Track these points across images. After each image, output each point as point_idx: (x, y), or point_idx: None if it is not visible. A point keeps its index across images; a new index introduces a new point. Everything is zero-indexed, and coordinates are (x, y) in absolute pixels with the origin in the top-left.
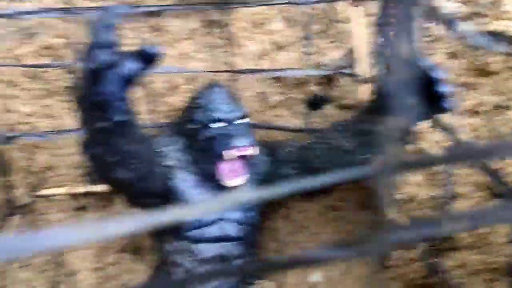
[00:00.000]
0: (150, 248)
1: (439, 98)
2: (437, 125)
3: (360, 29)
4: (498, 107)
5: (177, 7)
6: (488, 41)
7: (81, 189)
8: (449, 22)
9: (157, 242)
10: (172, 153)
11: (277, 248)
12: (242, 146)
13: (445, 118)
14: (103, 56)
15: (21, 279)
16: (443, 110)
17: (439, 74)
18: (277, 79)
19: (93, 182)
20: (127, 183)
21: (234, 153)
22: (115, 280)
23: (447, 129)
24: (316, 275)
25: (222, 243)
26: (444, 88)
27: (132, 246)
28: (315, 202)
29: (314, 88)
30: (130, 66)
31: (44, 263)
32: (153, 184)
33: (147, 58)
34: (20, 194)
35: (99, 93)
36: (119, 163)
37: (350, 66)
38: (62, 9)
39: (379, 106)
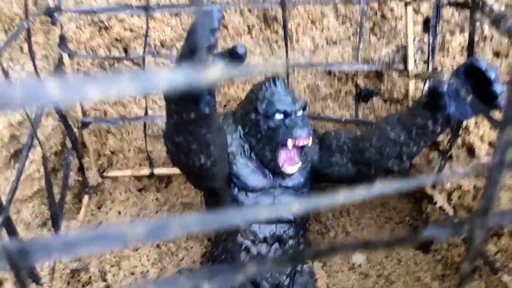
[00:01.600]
0: None
1: (493, 96)
2: (489, 120)
3: (411, 27)
4: None
5: (238, 4)
6: None
7: (144, 171)
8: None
9: None
10: (234, 141)
11: (320, 229)
12: (302, 137)
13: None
14: (203, 57)
15: None
16: (497, 108)
17: (495, 74)
18: (329, 72)
19: (155, 165)
20: (200, 168)
21: (295, 143)
22: (173, 256)
23: (498, 124)
24: (358, 257)
25: (278, 224)
26: (498, 88)
27: None
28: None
29: (363, 82)
30: (222, 64)
31: None
32: (221, 169)
33: (237, 57)
34: (91, 175)
35: (194, 88)
36: (199, 150)
37: (400, 62)
38: (138, 7)
39: (432, 102)
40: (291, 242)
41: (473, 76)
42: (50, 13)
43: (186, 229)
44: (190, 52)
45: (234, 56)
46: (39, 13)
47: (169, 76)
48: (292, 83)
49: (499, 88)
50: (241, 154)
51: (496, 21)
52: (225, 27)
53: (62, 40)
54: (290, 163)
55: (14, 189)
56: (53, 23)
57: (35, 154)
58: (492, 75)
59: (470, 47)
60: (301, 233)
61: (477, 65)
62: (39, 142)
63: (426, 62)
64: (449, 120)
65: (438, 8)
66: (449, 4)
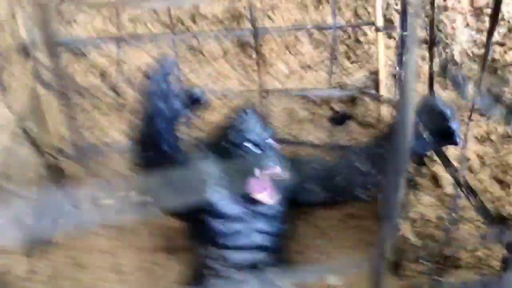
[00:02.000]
0: (184, 248)
1: (450, 132)
2: (442, 157)
3: (382, 52)
4: (506, 136)
5: (214, 32)
6: (489, 105)
7: None
8: (459, 84)
9: (192, 245)
10: (206, 168)
11: (298, 249)
12: (270, 167)
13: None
14: (159, 104)
15: (77, 277)
16: (453, 143)
17: (450, 111)
18: (304, 96)
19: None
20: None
21: (264, 172)
22: (152, 277)
23: (449, 163)
24: (334, 278)
25: (251, 251)
26: (454, 125)
27: (167, 247)
28: (337, 210)
29: (338, 106)
30: (179, 107)
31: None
32: (190, 199)
33: (194, 100)
34: None
35: (153, 132)
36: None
37: (373, 86)
38: (116, 39)
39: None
40: (263, 266)
41: (431, 111)
42: (24, 50)
43: None
44: (147, 97)
45: (192, 98)
46: (11, 49)
47: None
48: (267, 107)
49: (454, 125)
50: (213, 182)
51: (443, 67)
52: (201, 52)
53: (38, 71)
54: (260, 191)
55: None
56: (28, 57)
57: None
58: (448, 113)
59: (430, 81)
60: (275, 259)
61: (433, 103)
62: None
63: (397, 87)
64: (412, 155)
65: (402, 38)
66: None
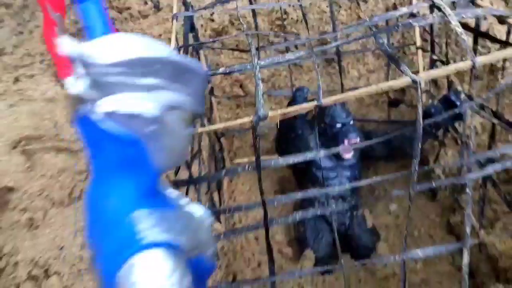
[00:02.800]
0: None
1: (459, 114)
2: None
3: (422, 60)
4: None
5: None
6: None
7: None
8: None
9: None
10: (312, 139)
11: (368, 188)
12: (353, 137)
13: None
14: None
15: None
16: (461, 120)
17: (459, 102)
18: None
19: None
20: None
21: (349, 141)
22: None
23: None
24: (393, 206)
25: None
26: (462, 110)
27: (281, 188)
28: (394, 163)
29: (393, 95)
30: None
31: None
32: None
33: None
34: (227, 162)
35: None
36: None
37: None
38: None
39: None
40: (349, 198)
41: (449, 101)
42: None
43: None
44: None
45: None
46: None
47: None
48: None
49: (462, 109)
50: (316, 147)
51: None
52: (301, 66)
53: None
54: (346, 152)
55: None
56: None
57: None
58: (458, 102)
59: (448, 84)
60: (356, 192)
61: (449, 96)
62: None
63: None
64: (439, 126)
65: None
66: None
